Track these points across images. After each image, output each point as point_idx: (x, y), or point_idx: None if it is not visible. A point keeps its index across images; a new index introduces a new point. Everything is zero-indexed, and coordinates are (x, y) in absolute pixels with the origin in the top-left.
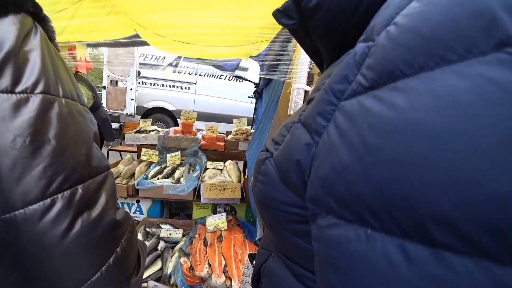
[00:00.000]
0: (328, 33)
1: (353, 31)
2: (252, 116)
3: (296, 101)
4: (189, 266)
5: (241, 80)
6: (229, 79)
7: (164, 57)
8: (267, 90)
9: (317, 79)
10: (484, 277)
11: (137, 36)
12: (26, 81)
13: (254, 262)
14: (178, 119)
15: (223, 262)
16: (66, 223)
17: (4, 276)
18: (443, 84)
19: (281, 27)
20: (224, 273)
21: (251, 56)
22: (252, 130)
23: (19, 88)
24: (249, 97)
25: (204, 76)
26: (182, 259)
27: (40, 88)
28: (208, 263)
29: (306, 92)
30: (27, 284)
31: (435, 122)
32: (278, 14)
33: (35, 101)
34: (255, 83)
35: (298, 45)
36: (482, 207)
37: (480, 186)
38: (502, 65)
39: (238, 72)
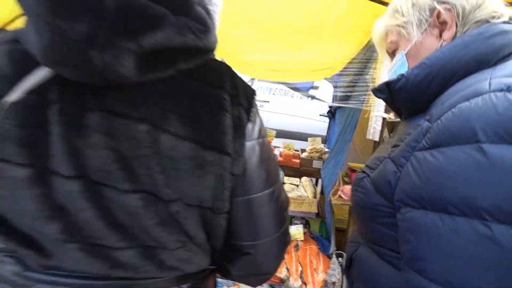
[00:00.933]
0: (407, 102)
1: (423, 102)
2: (325, 134)
3: (374, 127)
4: None
5: (313, 98)
6: (300, 97)
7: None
8: (341, 112)
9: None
10: None
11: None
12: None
13: (339, 258)
14: None
15: (300, 268)
16: (274, 199)
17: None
18: (458, 155)
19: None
20: (300, 278)
21: (325, 78)
22: (326, 149)
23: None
24: (320, 115)
25: (276, 94)
26: None
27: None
28: (286, 267)
29: (383, 119)
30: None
31: (453, 169)
32: (375, 90)
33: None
34: (328, 104)
35: (375, 76)
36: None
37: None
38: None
39: (310, 91)
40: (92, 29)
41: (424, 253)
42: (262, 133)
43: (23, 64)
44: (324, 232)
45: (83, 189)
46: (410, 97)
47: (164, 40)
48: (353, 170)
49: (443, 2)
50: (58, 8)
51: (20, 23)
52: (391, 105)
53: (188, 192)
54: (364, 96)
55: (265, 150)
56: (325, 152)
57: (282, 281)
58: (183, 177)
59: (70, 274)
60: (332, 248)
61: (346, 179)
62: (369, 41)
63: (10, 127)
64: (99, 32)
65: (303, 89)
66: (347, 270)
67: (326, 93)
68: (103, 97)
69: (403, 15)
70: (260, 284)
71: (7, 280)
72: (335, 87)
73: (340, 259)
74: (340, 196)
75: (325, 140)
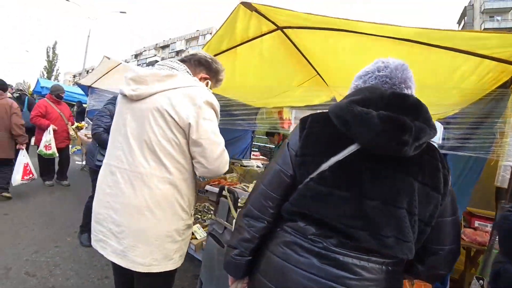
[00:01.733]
0: None
1: None
2: None
3: (503, 176)
4: None
5: None
6: None
7: None
8: (453, 156)
9: None
10: None
11: (334, 100)
12: None
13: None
14: None
15: None
16: (457, 223)
17: None
18: None
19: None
20: None
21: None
22: None
23: None
24: None
25: None
26: None
27: None
28: None
29: None
30: None
31: None
32: None
33: None
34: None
35: (507, 125)
36: None
37: None
38: None
39: None
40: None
41: None
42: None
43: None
44: None
45: (379, 205)
46: None
47: (426, 139)
48: (472, 215)
49: None
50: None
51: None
52: None
53: (420, 211)
54: (490, 145)
55: (453, 193)
56: None
57: None
58: (420, 203)
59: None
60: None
61: (464, 223)
62: (493, 92)
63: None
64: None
65: None
66: (493, 283)
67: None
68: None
69: None
70: (437, 280)
71: (318, 253)
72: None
73: (481, 281)
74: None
75: None
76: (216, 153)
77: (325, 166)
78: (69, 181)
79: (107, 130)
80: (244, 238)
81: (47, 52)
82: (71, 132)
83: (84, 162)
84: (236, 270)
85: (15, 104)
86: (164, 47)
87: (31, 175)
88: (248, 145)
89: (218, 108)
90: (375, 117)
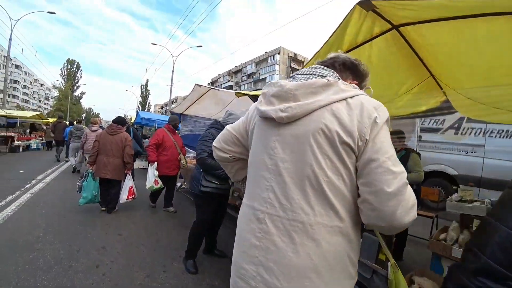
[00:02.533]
0: None
1: None
2: None
3: None
4: None
5: None
6: None
7: (444, 120)
8: None
9: None
10: None
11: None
12: None
13: None
14: (460, 185)
15: None
16: None
17: None
18: None
19: None
20: None
21: None
22: None
23: None
24: None
25: (495, 137)
26: None
27: None
28: None
29: None
30: None
31: None
32: None
33: None
34: None
35: None
36: None
37: None
38: None
39: None
40: None
41: None
42: None
43: None
44: None
45: None
46: None
47: None
48: None
49: None
50: None
51: None
52: None
53: None
54: None
55: None
56: None
57: None
58: None
59: None
60: None
61: None
62: None
63: None
64: None
65: None
66: None
67: None
68: None
69: None
70: None
71: None
72: None
73: None
74: None
75: None
76: (391, 188)
77: None
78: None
79: (211, 155)
80: None
81: (141, 89)
82: (182, 161)
83: (179, 184)
84: None
85: (129, 137)
86: (236, 72)
87: (133, 196)
88: None
89: None
90: None
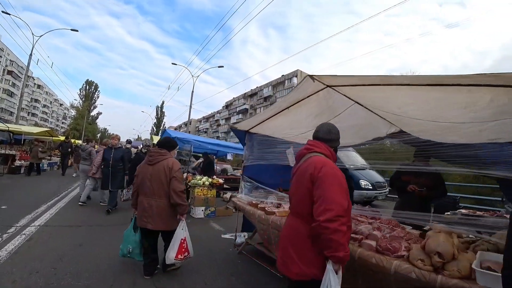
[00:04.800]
0: None
1: None
2: None
3: None
4: None
5: None
6: None
7: None
8: None
9: None
10: None
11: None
12: None
13: None
14: None
15: None
16: None
17: None
18: None
19: None
20: None
21: None
22: None
23: None
24: None
25: None
26: None
27: None
28: None
29: None
30: None
31: None
32: None
33: None
34: None
35: None
36: None
37: None
38: None
39: None
40: None
41: None
42: None
43: None
44: None
45: None
46: None
47: None
48: None
49: None
50: None
51: None
52: None
53: None
54: None
55: None
56: None
57: None
58: None
59: None
60: None
61: None
62: None
63: None
64: None
65: None
66: None
67: None
68: None
69: None
70: None
71: None
72: None
73: None
74: None
75: None
76: None
77: None
78: None
79: None
80: None
81: (157, 110)
82: None
83: None
84: None
85: (176, 166)
86: (252, 95)
87: (186, 254)
88: None
89: None
90: None
